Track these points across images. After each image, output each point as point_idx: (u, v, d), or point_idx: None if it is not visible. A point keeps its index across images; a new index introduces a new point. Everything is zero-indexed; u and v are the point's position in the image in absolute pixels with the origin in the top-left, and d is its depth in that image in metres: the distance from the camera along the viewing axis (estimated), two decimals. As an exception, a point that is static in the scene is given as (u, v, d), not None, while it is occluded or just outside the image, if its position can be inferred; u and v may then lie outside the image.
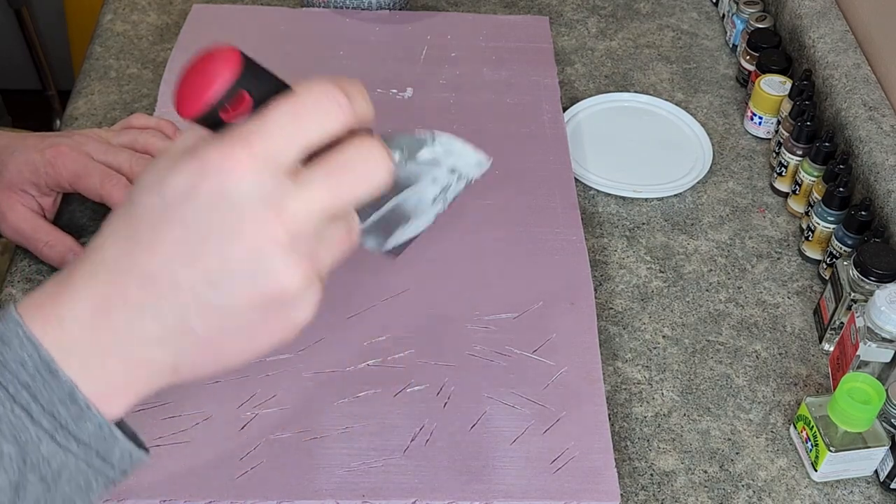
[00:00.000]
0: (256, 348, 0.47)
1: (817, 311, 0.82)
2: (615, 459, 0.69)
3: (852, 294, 0.76)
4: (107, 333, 0.45)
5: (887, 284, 0.74)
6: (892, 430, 0.71)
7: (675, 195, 0.92)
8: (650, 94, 1.02)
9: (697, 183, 0.93)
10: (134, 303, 0.44)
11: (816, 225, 0.85)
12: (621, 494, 0.68)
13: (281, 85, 0.45)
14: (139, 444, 0.47)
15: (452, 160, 0.54)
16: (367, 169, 0.45)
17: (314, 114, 0.43)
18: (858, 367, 0.74)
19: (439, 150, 0.53)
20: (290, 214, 0.43)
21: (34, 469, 0.44)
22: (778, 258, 0.88)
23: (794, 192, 0.90)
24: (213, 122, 0.43)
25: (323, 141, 0.44)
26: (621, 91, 1.03)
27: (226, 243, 0.43)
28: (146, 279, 0.44)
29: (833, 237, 0.83)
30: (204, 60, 0.43)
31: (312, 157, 0.44)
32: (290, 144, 0.43)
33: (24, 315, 0.44)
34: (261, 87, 0.44)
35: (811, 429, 0.71)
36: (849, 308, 0.77)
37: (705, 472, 0.72)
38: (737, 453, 0.73)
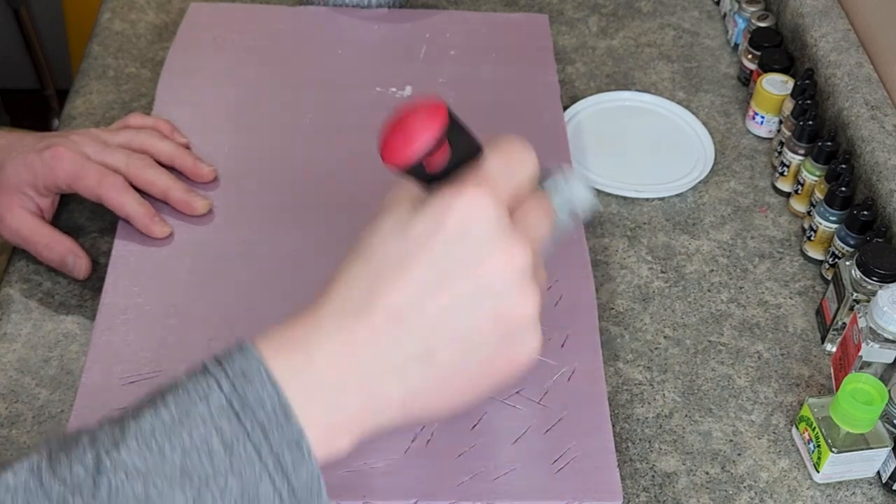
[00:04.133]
0: (482, 385, 0.50)
1: (819, 312, 0.82)
2: (616, 461, 0.69)
3: (854, 294, 0.76)
4: (351, 368, 0.46)
5: (890, 284, 0.73)
6: (894, 431, 0.71)
7: (677, 195, 0.92)
8: (651, 94, 1.02)
9: (699, 182, 0.93)
10: (381, 335, 0.46)
11: (818, 225, 0.84)
12: (623, 495, 0.68)
13: (469, 131, 0.50)
14: None
15: (570, 202, 0.55)
16: (547, 220, 0.51)
17: (519, 162, 0.50)
18: (861, 367, 0.73)
19: (563, 184, 0.55)
20: (531, 245, 0.48)
21: None
22: (780, 258, 0.87)
23: (796, 191, 0.90)
24: (418, 169, 0.48)
25: (521, 186, 0.50)
26: (622, 90, 1.02)
27: (475, 270, 0.47)
28: (394, 312, 0.46)
29: (835, 237, 0.82)
30: (414, 113, 0.47)
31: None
32: (507, 187, 0.49)
33: (265, 353, 0.45)
34: (458, 135, 0.49)
35: (813, 430, 0.71)
36: (851, 308, 0.76)
37: (707, 473, 0.72)
38: (738, 454, 0.73)
